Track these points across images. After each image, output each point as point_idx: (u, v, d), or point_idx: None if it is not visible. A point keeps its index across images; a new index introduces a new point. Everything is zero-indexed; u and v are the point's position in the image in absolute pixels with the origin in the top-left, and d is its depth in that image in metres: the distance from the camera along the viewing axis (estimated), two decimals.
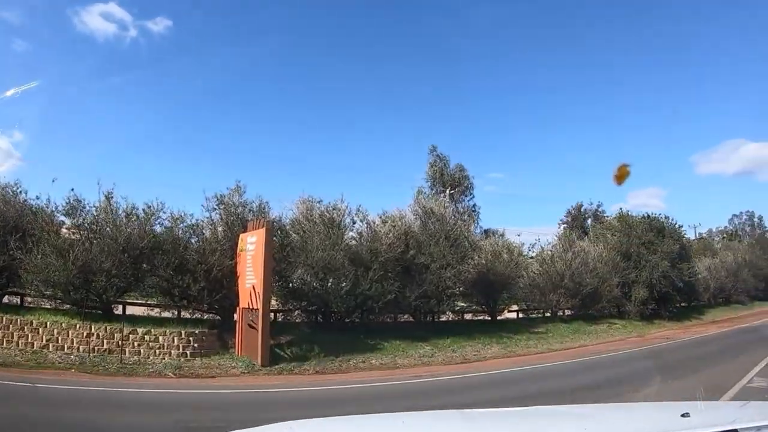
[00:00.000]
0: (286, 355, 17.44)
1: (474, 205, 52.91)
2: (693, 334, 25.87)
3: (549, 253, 29.68)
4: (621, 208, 40.07)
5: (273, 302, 21.08)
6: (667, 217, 35.81)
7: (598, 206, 53.05)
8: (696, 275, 36.90)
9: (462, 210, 37.27)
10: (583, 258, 29.33)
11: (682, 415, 2.72)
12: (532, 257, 29.97)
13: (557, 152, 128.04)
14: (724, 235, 68.05)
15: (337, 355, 17.66)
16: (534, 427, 3.24)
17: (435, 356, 19.14)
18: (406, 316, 23.77)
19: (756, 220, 77.57)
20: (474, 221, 29.04)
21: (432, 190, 50.71)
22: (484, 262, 25.40)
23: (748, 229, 74.22)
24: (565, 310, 30.26)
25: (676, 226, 36.17)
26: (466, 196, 57.59)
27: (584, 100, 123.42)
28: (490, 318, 27.23)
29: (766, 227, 71.37)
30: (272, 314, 21.09)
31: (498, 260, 25.86)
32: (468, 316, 28.01)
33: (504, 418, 3.64)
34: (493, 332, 23.48)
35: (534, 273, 28.85)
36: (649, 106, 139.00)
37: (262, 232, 16.87)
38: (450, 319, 25.96)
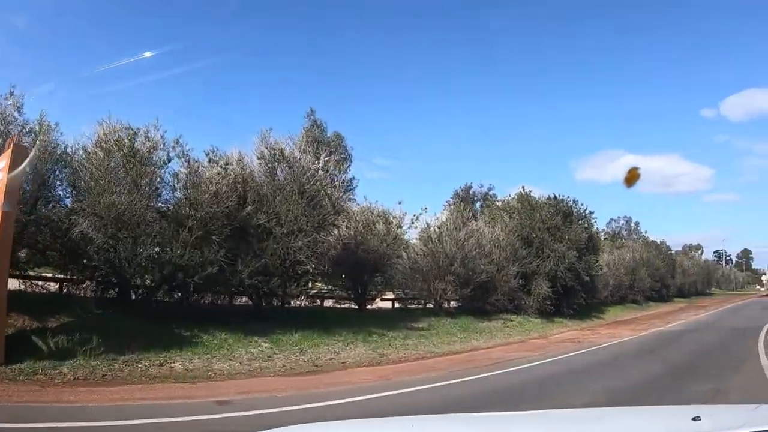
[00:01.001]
0: (45, 347, 11.56)
1: (352, 179, 48.47)
2: (607, 338, 21.80)
3: (436, 230, 24.84)
4: (523, 188, 35.32)
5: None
6: (575, 201, 32.02)
7: (489, 189, 49.51)
8: (600, 270, 33.69)
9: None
10: (478, 240, 24.86)
11: (693, 419, 2.71)
12: (414, 240, 25.21)
13: (450, 138, 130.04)
14: (605, 236, 68.44)
15: (125, 351, 12.08)
16: (545, 430, 3.29)
17: (273, 359, 13.89)
18: (245, 299, 18.33)
19: (633, 225, 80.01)
20: (340, 181, 23.40)
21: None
22: (352, 233, 20.32)
23: (625, 233, 75.63)
24: (452, 302, 25.84)
25: (586, 211, 32.62)
26: (343, 168, 53.61)
27: (475, 95, 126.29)
28: (357, 307, 22.26)
29: (641, 232, 73.49)
30: (54, 284, 15.92)
31: (371, 233, 20.87)
32: (329, 303, 23.01)
33: (514, 422, 3.69)
34: (361, 326, 18.52)
35: (417, 254, 24.08)
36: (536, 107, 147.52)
37: (8, 154, 11.02)
38: (304, 305, 20.56)
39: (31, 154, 11.93)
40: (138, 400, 9.43)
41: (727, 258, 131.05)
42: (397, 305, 25.97)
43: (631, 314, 38.35)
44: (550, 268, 27.56)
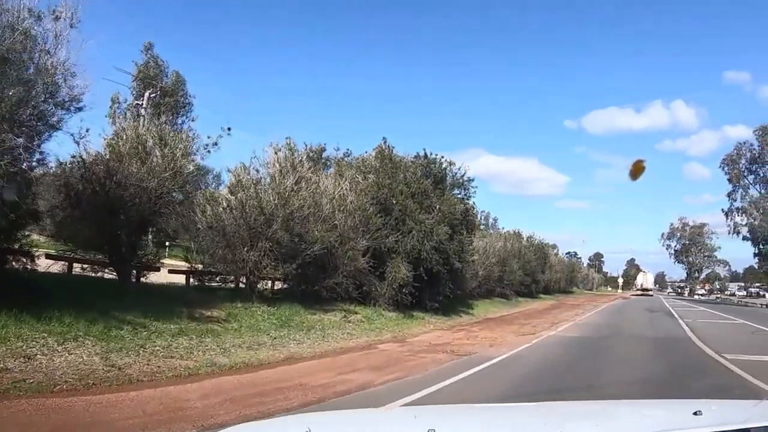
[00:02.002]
0: None
1: (189, 128, 41.25)
2: (488, 345, 15.80)
3: (253, 174, 17.76)
4: (384, 140, 26.32)
5: None
6: (451, 163, 25.80)
7: (347, 154, 43.13)
8: (473, 255, 28.23)
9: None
10: (314, 195, 18.14)
11: (694, 413, 2.72)
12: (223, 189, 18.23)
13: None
14: None
15: None
16: (547, 422, 3.18)
17: None
18: None
19: (491, 220, 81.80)
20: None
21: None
22: (105, 153, 12.96)
23: (483, 227, 75.01)
24: (274, 282, 19.19)
25: (464, 177, 26.42)
26: (179, 114, 45.93)
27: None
28: (119, 278, 15.01)
29: (499, 228, 73.71)
30: None
31: (135, 157, 13.45)
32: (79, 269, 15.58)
33: (514, 413, 3.73)
34: (112, 310, 11.70)
35: (222, 207, 16.88)
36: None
37: None
38: (24, 268, 12.48)
39: None
40: None
41: (578, 260, 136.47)
42: (193, 281, 18.69)
43: (503, 310, 33.55)
44: (413, 246, 21.39)
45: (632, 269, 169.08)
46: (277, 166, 17.49)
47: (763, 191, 69.40)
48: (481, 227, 70.53)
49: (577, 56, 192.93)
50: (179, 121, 48.07)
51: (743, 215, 70.53)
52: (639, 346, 17.52)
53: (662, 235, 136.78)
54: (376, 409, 4.76)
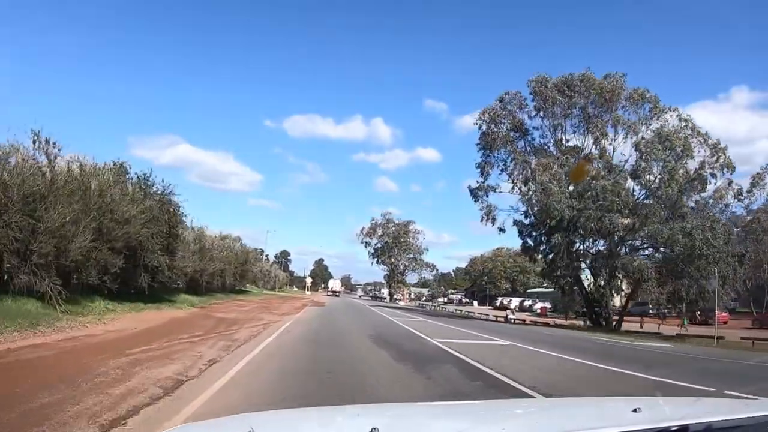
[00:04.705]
0: None
1: None
2: None
3: None
4: None
5: None
6: None
7: None
8: None
9: None
10: None
11: (634, 411, 2.82)
12: None
13: None
14: None
15: None
16: (487, 420, 3.36)
17: None
18: None
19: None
20: None
21: None
22: None
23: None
24: None
25: None
26: None
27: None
28: None
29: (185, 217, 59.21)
30: None
31: None
32: None
33: (457, 412, 3.83)
34: None
35: None
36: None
37: None
38: None
39: None
40: None
41: (265, 257, 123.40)
42: None
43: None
44: None
45: (319, 269, 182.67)
46: None
47: (524, 165, 49.01)
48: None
49: (288, 62, 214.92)
50: None
51: (518, 190, 52.25)
52: None
53: (362, 230, 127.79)
54: (320, 408, 4.70)
